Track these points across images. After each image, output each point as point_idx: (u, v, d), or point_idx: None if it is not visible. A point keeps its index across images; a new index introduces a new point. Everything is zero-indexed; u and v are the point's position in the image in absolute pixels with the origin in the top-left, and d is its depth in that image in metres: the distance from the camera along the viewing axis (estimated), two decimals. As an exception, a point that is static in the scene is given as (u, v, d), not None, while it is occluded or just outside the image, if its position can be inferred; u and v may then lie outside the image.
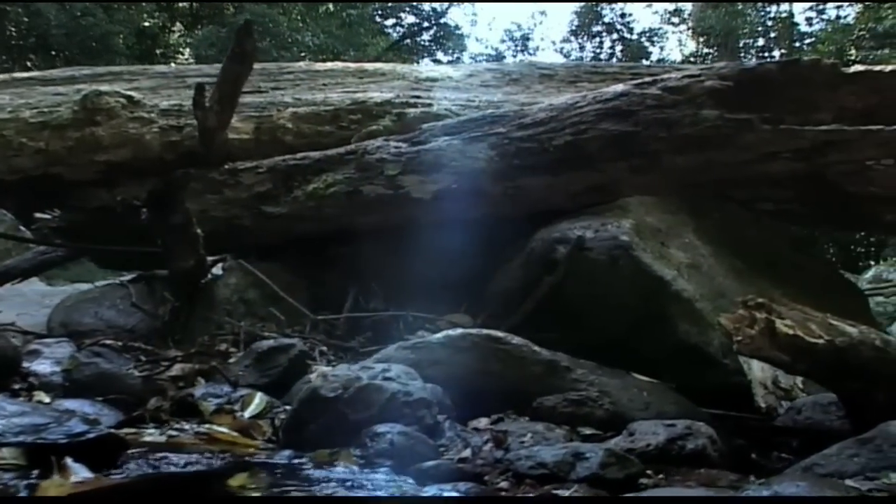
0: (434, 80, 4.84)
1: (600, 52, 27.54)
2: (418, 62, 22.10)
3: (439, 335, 2.92)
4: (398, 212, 3.85)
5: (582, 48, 27.90)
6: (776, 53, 24.37)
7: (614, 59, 26.34)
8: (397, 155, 3.78)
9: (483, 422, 2.63)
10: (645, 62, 22.35)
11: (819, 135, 3.32)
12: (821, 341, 2.65)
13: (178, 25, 20.48)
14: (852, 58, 19.14)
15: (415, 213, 3.81)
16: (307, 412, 2.35)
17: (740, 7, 23.74)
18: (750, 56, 24.47)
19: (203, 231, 4.01)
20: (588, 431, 2.59)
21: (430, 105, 4.44)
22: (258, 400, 2.82)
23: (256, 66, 5.27)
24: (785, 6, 24.07)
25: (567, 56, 27.33)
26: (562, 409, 2.68)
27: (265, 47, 18.92)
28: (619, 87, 3.60)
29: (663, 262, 3.54)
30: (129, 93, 4.59)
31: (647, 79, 3.59)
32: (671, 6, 26.86)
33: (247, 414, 2.74)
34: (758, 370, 3.33)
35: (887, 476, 2.16)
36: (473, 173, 3.65)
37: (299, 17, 20.58)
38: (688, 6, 26.27)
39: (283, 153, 4.31)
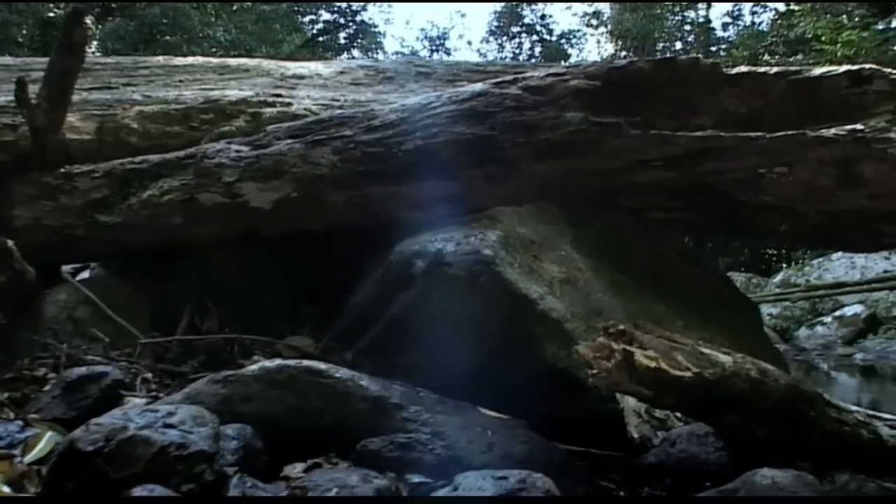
0: (301, 77, 4.46)
1: (520, 54, 27.55)
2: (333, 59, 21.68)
3: (254, 367, 2.54)
4: (237, 222, 3.43)
5: (501, 48, 27.88)
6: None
7: (532, 62, 26.30)
8: (237, 160, 3.36)
9: (298, 468, 2.27)
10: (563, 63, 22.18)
11: (693, 141, 2.99)
12: (687, 374, 2.37)
13: (90, 18, 19.80)
14: (766, 63, 19.36)
15: (255, 224, 3.41)
16: (66, 468, 1.96)
17: (658, 11, 23.88)
18: (666, 59, 24.57)
19: (35, 241, 3.60)
20: (416, 480, 2.24)
21: (289, 104, 4.05)
22: (45, 442, 2.40)
23: (110, 59, 4.85)
24: (702, 11, 24.32)
25: (484, 56, 27.28)
26: (388, 454, 2.32)
27: (175, 42, 18.46)
28: (478, 86, 3.22)
29: (532, 278, 3.25)
30: (-40, 87, 4.12)
31: (509, 77, 3.24)
32: (590, 8, 26.90)
33: (27, 459, 2.33)
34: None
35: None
36: (315, 180, 3.26)
37: (212, 12, 20.07)
38: (607, 9, 26.35)
39: (128, 156, 3.88)
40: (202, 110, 4.09)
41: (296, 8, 24.28)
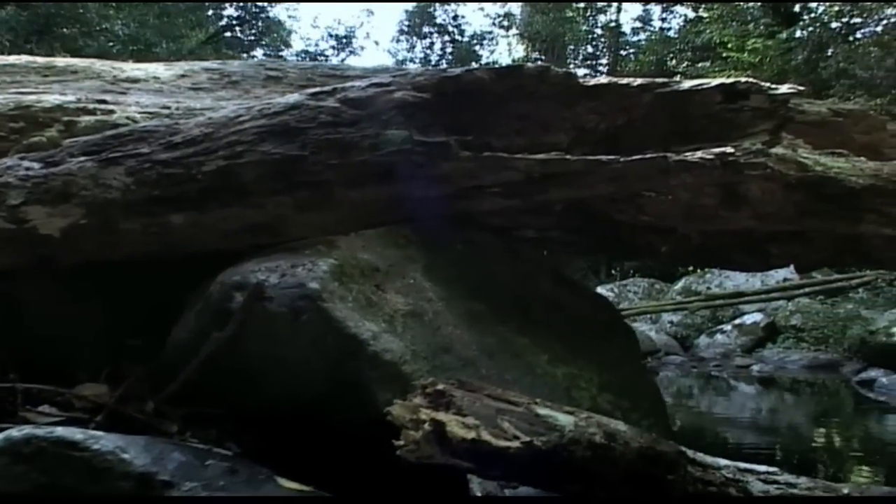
0: (136, 80, 3.98)
1: (431, 54, 27.38)
2: (238, 57, 21.09)
3: (-2, 437, 2.11)
4: (27, 251, 2.88)
5: (412, 48, 27.68)
6: (603, 61, 24.65)
7: (444, 62, 26.12)
8: (24, 179, 2.82)
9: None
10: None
11: (534, 165, 2.58)
12: (514, 444, 2.01)
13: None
14: (672, 69, 19.45)
15: (48, 253, 2.90)
16: None
17: (569, 14, 23.89)
18: (574, 64, 24.60)
19: None
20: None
21: (111, 112, 3.54)
22: None
23: (-77, 58, 4.31)
24: (613, 15, 24.42)
25: (394, 56, 27.01)
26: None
27: (71, 34, 17.72)
28: (293, 98, 2.78)
29: (369, 313, 2.89)
30: None
31: (329, 87, 2.80)
32: (502, 10, 26.80)
33: None
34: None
35: None
36: (106, 205, 2.77)
37: (112, 4, 19.34)
38: (518, 11, 26.28)
39: (-75, 169, 3.35)
40: (11, 118, 3.55)
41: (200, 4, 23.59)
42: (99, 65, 4.24)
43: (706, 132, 2.89)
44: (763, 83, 3.00)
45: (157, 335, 3.31)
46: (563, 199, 2.89)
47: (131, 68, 4.19)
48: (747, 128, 2.93)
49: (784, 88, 3.00)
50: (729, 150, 2.69)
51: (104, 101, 3.67)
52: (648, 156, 2.61)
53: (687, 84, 2.92)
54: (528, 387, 3.13)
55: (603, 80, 2.84)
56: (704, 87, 2.92)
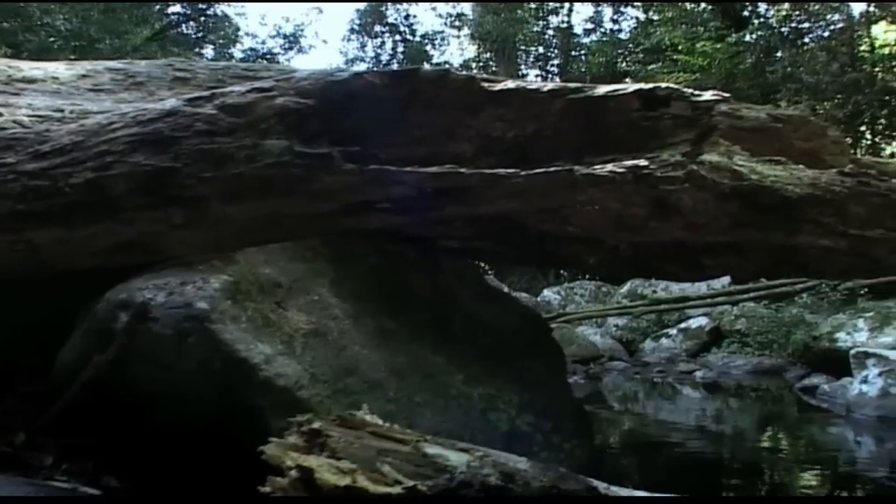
0: (32, 80, 3.72)
1: (382, 54, 27.15)
2: (185, 55, 20.65)
3: None
4: None
5: (362, 48, 27.40)
6: (555, 62, 24.56)
7: (395, 63, 25.90)
8: None
9: None
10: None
11: (426, 179, 2.36)
12: (395, 490, 1.82)
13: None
14: (622, 70, 19.41)
15: None
16: None
17: (520, 14, 23.75)
18: (526, 65, 24.51)
19: None
20: None
21: (-2, 115, 3.31)
22: None
23: None
24: (565, 16, 24.38)
25: (345, 55, 26.70)
26: None
27: (10, 29, 17.25)
28: (170, 103, 2.53)
29: (265, 334, 2.72)
30: None
31: (207, 92, 2.56)
32: (454, 10, 26.60)
33: None
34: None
35: None
36: None
37: (57, -3, 18.83)
38: (470, 12, 26.10)
39: None
40: None
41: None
42: (-9, 64, 3.97)
43: (623, 141, 2.68)
44: (685, 89, 2.81)
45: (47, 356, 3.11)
46: (462, 216, 2.70)
47: (29, 67, 3.93)
48: (668, 137, 2.72)
49: (708, 95, 2.81)
50: (643, 162, 2.49)
51: (-8, 103, 3.41)
52: (553, 169, 2.39)
53: (602, 89, 2.71)
54: (440, 409, 2.98)
55: (510, 84, 2.62)
56: (620, 92, 2.71)
